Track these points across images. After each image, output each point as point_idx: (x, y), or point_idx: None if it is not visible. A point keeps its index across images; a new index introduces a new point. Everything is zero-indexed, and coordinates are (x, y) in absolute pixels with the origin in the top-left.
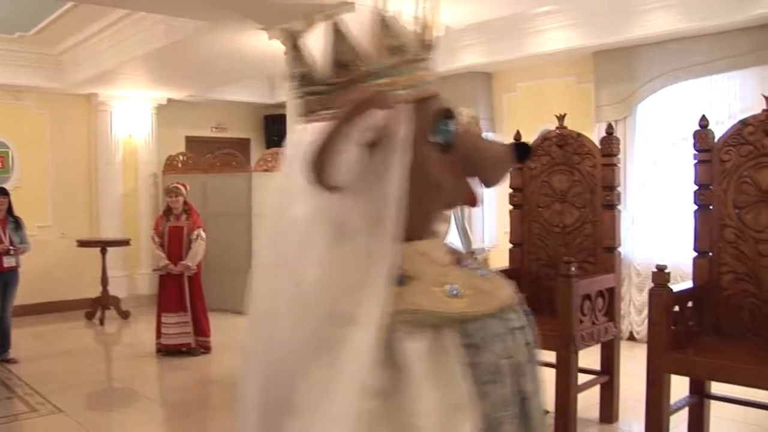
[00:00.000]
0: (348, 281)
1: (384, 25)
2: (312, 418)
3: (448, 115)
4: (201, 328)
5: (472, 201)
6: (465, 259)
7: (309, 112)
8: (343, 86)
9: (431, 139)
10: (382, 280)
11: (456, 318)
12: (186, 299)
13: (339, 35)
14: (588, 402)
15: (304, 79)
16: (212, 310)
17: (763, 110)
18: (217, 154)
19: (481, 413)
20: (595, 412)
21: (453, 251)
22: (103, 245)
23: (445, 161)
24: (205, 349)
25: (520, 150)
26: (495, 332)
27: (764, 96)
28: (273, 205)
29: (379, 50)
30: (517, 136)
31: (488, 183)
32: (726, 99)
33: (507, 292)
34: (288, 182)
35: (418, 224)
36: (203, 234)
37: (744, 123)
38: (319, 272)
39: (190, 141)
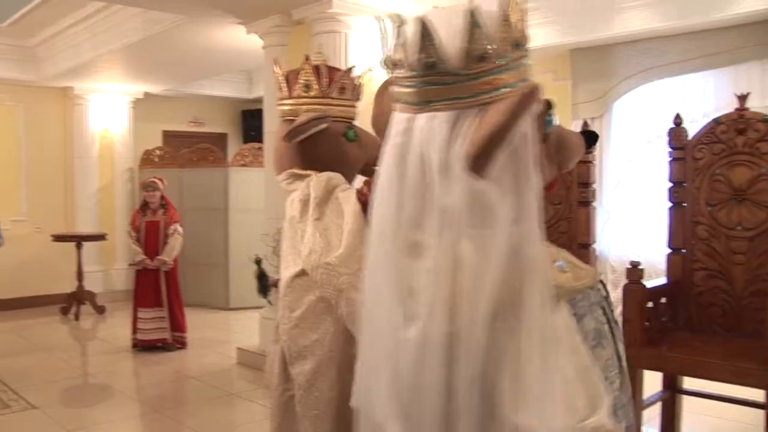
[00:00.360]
0: (511, 269)
1: (507, 18)
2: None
3: (550, 105)
4: (177, 324)
5: (553, 187)
6: None
7: (425, 102)
8: (471, 78)
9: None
10: (544, 264)
11: (571, 290)
12: (162, 294)
13: (475, 25)
14: None
15: (430, 68)
16: (188, 306)
17: (736, 109)
18: (194, 148)
19: None
20: None
21: None
22: (79, 240)
23: (543, 150)
24: (181, 344)
25: (588, 137)
26: (594, 301)
27: (737, 95)
28: (380, 195)
29: (504, 43)
30: (584, 124)
31: (564, 169)
32: (700, 98)
33: (590, 265)
34: (401, 169)
35: None
36: (180, 229)
37: (717, 122)
38: (475, 259)
39: (167, 135)
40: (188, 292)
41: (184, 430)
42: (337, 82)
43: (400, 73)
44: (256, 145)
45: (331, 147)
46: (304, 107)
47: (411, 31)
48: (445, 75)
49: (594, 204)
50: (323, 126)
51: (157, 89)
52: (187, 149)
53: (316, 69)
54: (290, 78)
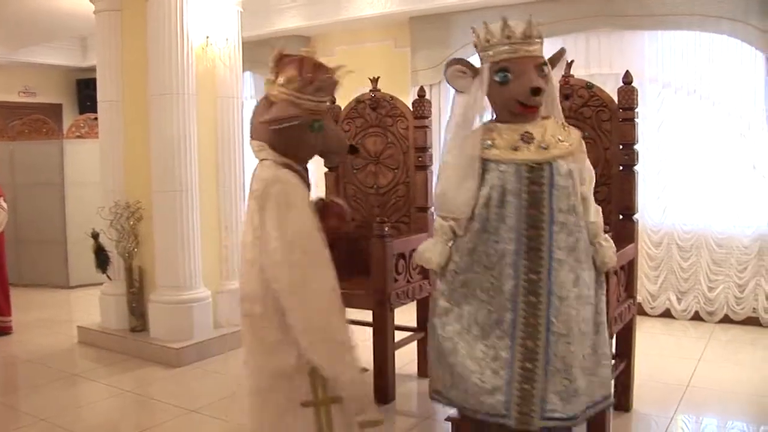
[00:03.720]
0: None
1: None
2: None
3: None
4: None
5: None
6: None
7: (517, 51)
8: (538, 42)
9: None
10: None
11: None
12: None
13: (507, 24)
14: (407, 358)
15: (526, 37)
16: (27, 286)
17: (563, 76)
18: (26, 120)
19: None
20: (413, 368)
21: None
22: None
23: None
24: (5, 330)
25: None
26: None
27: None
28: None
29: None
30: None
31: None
32: None
33: None
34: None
35: None
36: (4, 204)
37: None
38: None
39: None
40: (25, 272)
41: (21, 416)
42: (316, 82)
43: (495, 43)
44: (92, 115)
45: (295, 133)
46: (282, 96)
47: (512, 24)
48: (530, 40)
49: (431, 168)
50: (296, 122)
51: None
52: (18, 121)
53: (301, 62)
54: (281, 63)
